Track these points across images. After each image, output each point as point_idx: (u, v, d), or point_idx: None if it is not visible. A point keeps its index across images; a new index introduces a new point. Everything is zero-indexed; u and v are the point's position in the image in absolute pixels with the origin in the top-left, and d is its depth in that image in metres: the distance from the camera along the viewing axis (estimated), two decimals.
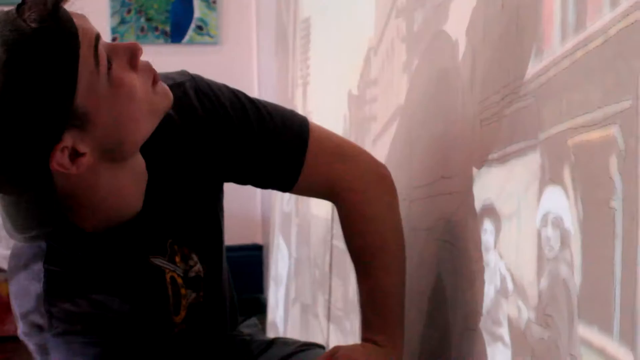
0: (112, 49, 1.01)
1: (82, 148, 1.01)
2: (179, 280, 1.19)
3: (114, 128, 1.03)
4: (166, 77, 1.17)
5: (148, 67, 1.06)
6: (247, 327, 1.46)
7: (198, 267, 1.22)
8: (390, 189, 1.27)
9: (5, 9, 1.00)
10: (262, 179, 1.23)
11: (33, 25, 0.95)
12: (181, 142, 1.12)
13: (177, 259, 1.19)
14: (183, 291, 1.20)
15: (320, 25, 2.41)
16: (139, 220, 1.13)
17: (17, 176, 1.01)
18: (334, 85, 2.15)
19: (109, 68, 0.99)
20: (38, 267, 1.09)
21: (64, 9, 0.99)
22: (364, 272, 1.31)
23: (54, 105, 0.96)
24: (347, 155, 1.24)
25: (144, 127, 1.07)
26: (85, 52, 0.98)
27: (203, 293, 1.25)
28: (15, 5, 0.98)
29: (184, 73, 1.22)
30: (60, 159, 0.99)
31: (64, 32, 0.96)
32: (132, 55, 1.03)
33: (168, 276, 1.18)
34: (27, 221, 1.09)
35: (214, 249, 1.26)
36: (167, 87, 1.08)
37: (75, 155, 1.01)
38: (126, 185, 1.11)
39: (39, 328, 1.07)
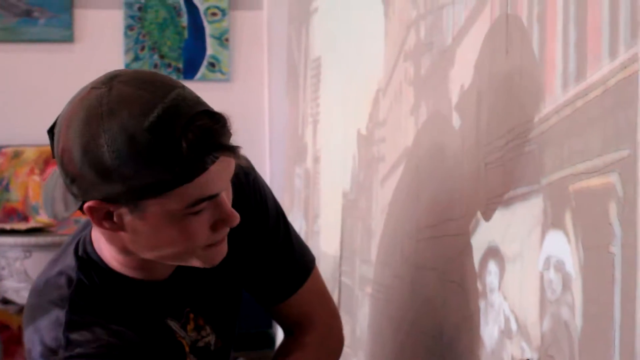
0: (216, 206, 1.01)
1: (124, 225, 1.02)
2: (186, 349, 1.22)
3: (151, 245, 1.04)
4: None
5: (225, 234, 1.07)
6: None
7: (209, 338, 1.25)
8: (339, 351, 1.40)
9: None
10: (260, 284, 1.29)
11: (184, 150, 0.93)
12: None
13: (190, 327, 1.22)
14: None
15: (331, 64, 2.45)
16: (166, 284, 1.17)
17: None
18: (344, 124, 2.19)
19: (193, 214, 0.99)
20: (65, 297, 1.11)
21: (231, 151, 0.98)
22: None
23: (137, 184, 0.95)
24: (330, 305, 1.37)
25: (174, 262, 1.11)
26: (193, 190, 0.96)
27: None
28: (186, 105, 0.96)
29: (246, 160, 1.27)
30: (99, 212, 1.00)
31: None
32: (223, 223, 1.04)
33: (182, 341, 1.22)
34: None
35: (229, 325, 1.30)
36: (225, 249, 1.10)
37: (118, 226, 1.03)
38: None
39: (53, 352, 1.10)
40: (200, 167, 0.94)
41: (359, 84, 2.06)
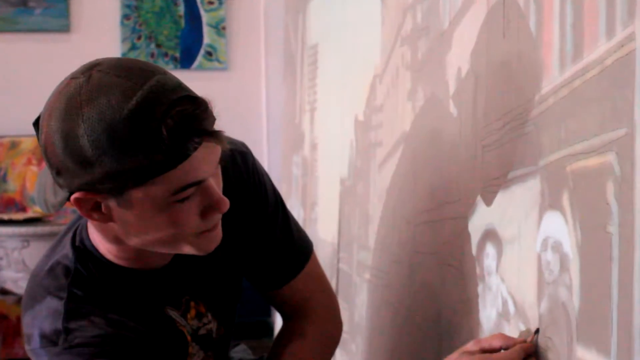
0: (204, 192, 0.99)
1: (113, 216, 1.01)
2: (188, 338, 1.22)
3: (141, 235, 1.03)
4: (230, 142, 1.18)
5: (217, 221, 1.06)
6: (236, 353, 1.48)
7: (211, 325, 1.25)
8: (338, 337, 1.39)
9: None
10: (258, 269, 1.29)
11: (165, 137, 0.91)
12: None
13: (190, 315, 1.21)
14: (190, 349, 1.23)
15: (328, 51, 2.45)
16: (162, 272, 1.17)
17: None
18: (341, 111, 2.18)
19: (180, 201, 0.98)
20: (63, 287, 1.11)
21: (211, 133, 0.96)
22: None
23: (119, 173, 0.93)
24: (328, 289, 1.36)
25: (167, 250, 1.09)
26: (177, 177, 0.94)
27: (212, 353, 1.27)
28: (159, 86, 0.93)
29: (245, 145, 1.27)
30: (87, 204, 0.99)
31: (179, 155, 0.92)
32: (212, 210, 1.02)
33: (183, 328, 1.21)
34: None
35: (230, 311, 1.30)
36: (219, 236, 1.08)
37: (107, 216, 1.02)
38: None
39: (53, 343, 1.10)
40: (182, 153, 0.92)
41: (356, 70, 2.06)
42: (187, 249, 1.07)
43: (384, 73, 1.81)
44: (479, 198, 1.26)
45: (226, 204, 1.01)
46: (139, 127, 0.90)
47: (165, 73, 0.96)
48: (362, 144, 2.00)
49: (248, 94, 4.15)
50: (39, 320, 1.13)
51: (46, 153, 0.97)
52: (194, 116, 0.93)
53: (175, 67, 4.09)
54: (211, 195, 0.99)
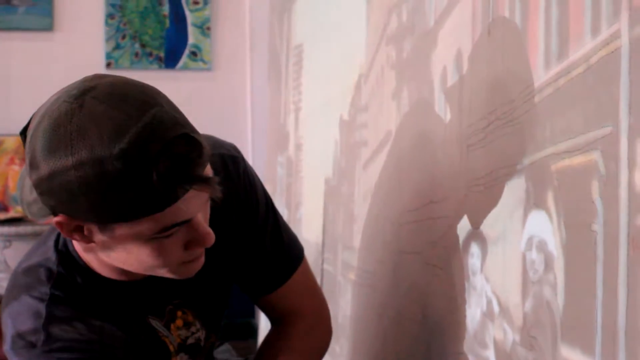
0: (190, 227, 0.96)
1: (95, 240, 0.99)
2: (170, 348, 1.20)
3: (122, 261, 1.02)
4: (220, 145, 1.19)
5: (200, 253, 1.04)
6: (220, 354, 1.47)
7: (200, 334, 1.24)
8: (327, 343, 1.38)
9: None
10: (248, 275, 1.27)
11: (155, 181, 0.87)
12: (215, 216, 1.11)
13: (176, 325, 1.20)
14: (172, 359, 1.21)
15: (313, 51, 2.44)
16: (145, 282, 1.14)
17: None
18: (326, 110, 2.18)
19: (167, 236, 0.95)
20: (44, 289, 1.10)
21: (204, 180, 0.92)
22: None
23: (105, 207, 0.90)
24: (318, 295, 1.36)
25: (148, 274, 1.07)
26: (164, 217, 0.91)
27: None
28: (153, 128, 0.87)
29: (235, 149, 1.24)
30: (68, 226, 0.97)
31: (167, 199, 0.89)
32: (196, 243, 0.99)
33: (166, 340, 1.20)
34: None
35: (218, 318, 1.29)
36: (200, 263, 1.06)
37: (88, 238, 1.00)
38: None
39: (32, 345, 1.08)
40: (171, 197, 0.89)
41: (341, 69, 2.05)
42: (167, 275, 1.06)
43: (369, 72, 1.81)
44: (463, 197, 1.26)
45: (212, 238, 0.98)
46: (129, 168, 0.86)
47: (162, 104, 0.89)
48: (347, 144, 1.99)
49: (233, 94, 4.14)
50: (16, 319, 1.11)
51: (30, 173, 0.93)
52: (188, 161, 0.89)
53: (160, 67, 4.08)
54: (197, 229, 0.97)
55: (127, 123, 0.86)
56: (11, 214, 3.61)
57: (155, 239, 0.95)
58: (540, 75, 1.02)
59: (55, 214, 0.97)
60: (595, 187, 0.87)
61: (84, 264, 1.11)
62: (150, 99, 0.90)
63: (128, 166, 0.86)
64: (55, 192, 0.92)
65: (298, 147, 2.59)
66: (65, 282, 1.09)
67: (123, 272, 1.11)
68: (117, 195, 0.88)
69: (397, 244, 1.56)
